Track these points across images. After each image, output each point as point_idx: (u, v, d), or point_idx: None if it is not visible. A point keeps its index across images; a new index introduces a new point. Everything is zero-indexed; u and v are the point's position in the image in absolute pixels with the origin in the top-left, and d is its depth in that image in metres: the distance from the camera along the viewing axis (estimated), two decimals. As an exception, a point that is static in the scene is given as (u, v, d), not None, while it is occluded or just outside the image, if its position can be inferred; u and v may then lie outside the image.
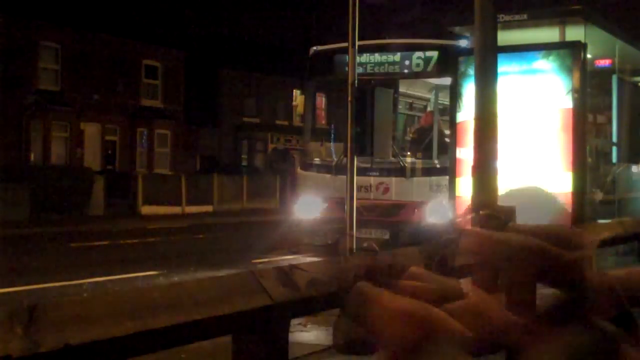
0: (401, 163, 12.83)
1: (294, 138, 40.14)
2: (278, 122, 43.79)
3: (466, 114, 10.03)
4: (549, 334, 0.93)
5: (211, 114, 40.64)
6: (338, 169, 12.34)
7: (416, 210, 12.46)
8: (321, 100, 15.25)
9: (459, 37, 12.54)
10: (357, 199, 9.31)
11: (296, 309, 2.96)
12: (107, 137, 33.32)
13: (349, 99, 8.77)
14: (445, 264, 1.15)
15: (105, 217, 24.50)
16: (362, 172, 11.55)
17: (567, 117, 9.79)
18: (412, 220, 12.45)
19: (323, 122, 15.50)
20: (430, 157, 13.10)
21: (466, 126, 9.95)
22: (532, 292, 0.96)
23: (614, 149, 12.47)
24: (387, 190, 12.61)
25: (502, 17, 9.97)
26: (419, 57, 12.78)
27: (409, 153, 13.93)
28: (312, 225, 13.15)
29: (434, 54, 12.66)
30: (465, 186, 9.59)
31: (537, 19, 11.18)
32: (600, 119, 13.44)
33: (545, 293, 0.98)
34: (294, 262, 10.86)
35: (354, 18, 8.90)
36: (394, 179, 12.66)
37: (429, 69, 12.77)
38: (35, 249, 15.35)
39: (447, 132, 12.67)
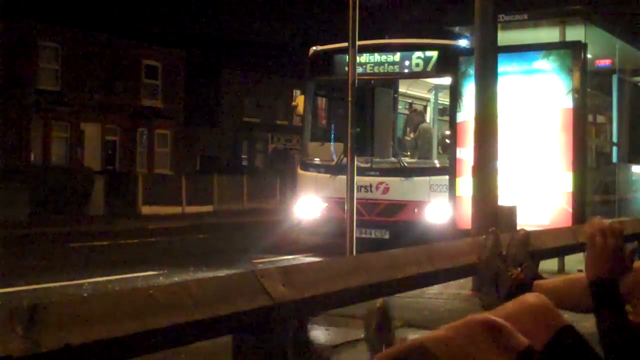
0: (401, 163, 12.83)
1: (294, 138, 40.15)
2: (278, 122, 43.79)
3: (466, 114, 10.03)
4: None
5: (211, 114, 40.64)
6: (338, 169, 12.34)
7: (416, 210, 12.47)
8: (321, 100, 15.22)
9: (459, 37, 12.54)
10: (357, 199, 9.31)
11: (296, 309, 2.96)
12: (107, 137, 33.32)
13: (349, 99, 8.76)
14: None
15: (105, 217, 24.49)
16: (362, 172, 11.55)
17: (567, 117, 9.79)
18: (412, 220, 12.45)
19: (323, 122, 15.47)
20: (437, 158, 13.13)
21: (466, 126, 9.95)
22: None
23: (614, 149, 12.47)
24: (387, 190, 12.62)
25: (502, 17, 9.97)
26: (419, 57, 12.78)
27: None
28: (312, 225, 13.15)
29: (434, 54, 12.66)
30: (465, 186, 9.59)
31: (537, 19, 11.19)
32: (600, 119, 13.45)
33: None
34: (294, 262, 10.84)
35: (354, 18, 8.89)
36: (393, 179, 12.66)
37: (429, 69, 12.77)
38: (35, 249, 15.34)
39: (447, 132, 12.67)
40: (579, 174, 9.77)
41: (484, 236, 3.11)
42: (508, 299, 2.37)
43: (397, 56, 12.89)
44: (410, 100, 15.47)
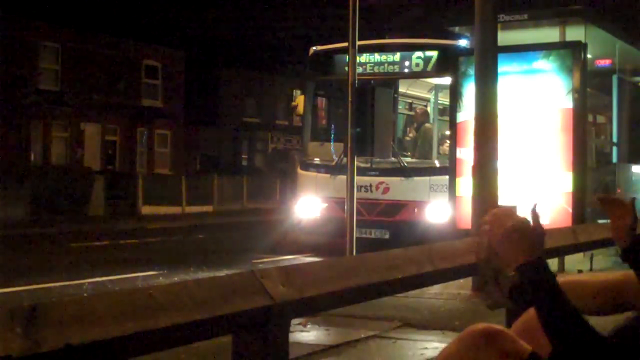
0: (401, 163, 12.83)
1: (294, 138, 40.15)
2: (278, 122, 43.79)
3: (466, 114, 10.03)
4: None
5: (211, 114, 40.64)
6: (338, 169, 12.34)
7: (416, 210, 12.47)
8: (321, 100, 15.22)
9: (459, 37, 12.54)
10: (357, 199, 9.31)
11: (296, 309, 2.96)
12: (107, 137, 33.32)
13: (349, 99, 8.76)
14: None
15: (105, 217, 24.50)
16: (362, 172, 11.54)
17: (567, 117, 9.78)
18: (412, 220, 12.45)
19: (323, 122, 15.47)
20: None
21: (466, 126, 9.95)
22: None
23: (614, 149, 12.48)
24: (387, 190, 12.62)
25: (502, 17, 9.97)
26: (419, 57, 12.78)
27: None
28: (312, 225, 13.15)
29: (434, 54, 12.66)
30: (465, 186, 9.59)
31: (537, 19, 11.19)
32: (600, 119, 13.46)
33: None
34: (294, 262, 10.85)
35: (354, 18, 8.89)
36: (393, 179, 12.67)
37: (429, 69, 12.77)
38: (35, 249, 15.34)
39: (447, 132, 12.68)
40: (579, 174, 9.77)
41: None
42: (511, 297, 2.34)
43: (397, 56, 12.89)
44: (410, 100, 15.48)
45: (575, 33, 10.66)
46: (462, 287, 7.86)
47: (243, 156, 43.10)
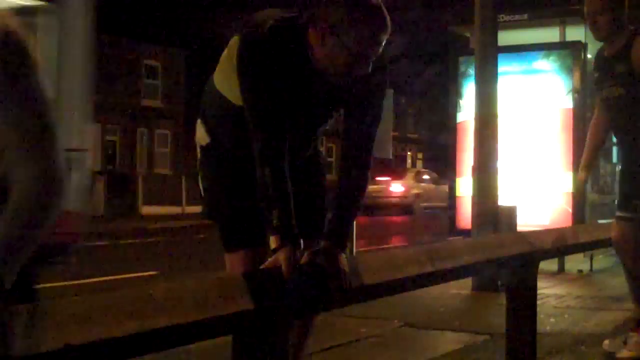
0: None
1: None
2: (278, 122, 43.84)
3: (466, 114, 10.04)
4: None
5: (211, 114, 40.66)
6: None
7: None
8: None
9: (458, 36, 12.54)
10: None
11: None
12: (107, 137, 33.33)
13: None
14: None
15: (105, 217, 24.50)
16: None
17: (567, 117, 9.79)
18: None
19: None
20: None
21: (466, 126, 9.96)
22: None
23: (614, 148, 12.47)
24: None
25: (502, 17, 9.97)
26: None
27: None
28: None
29: None
30: (465, 186, 9.60)
31: (537, 19, 11.19)
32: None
33: None
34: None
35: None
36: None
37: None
38: (35, 249, 15.32)
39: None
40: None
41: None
42: None
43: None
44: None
45: (575, 33, 10.67)
46: (462, 287, 7.87)
47: (243, 156, 43.15)
